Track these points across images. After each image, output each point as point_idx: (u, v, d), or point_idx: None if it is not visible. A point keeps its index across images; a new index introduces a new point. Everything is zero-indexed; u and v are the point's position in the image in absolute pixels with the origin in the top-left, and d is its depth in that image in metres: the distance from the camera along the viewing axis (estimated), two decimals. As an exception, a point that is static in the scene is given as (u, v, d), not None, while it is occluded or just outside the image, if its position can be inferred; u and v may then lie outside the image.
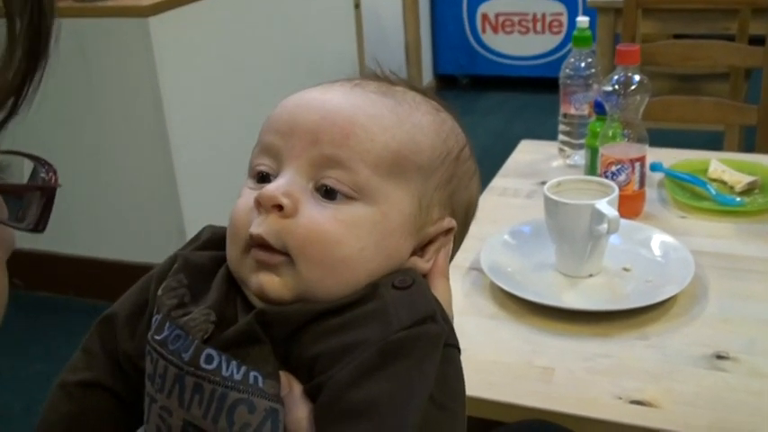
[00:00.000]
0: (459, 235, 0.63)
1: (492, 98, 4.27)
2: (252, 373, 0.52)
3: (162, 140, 2.29)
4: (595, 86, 1.40)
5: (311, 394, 0.53)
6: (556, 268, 1.10)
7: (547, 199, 1.08)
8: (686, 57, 2.11)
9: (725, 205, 1.27)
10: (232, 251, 0.57)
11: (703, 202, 1.29)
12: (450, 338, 0.54)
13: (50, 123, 2.29)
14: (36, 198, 0.41)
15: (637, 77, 1.24)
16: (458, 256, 1.15)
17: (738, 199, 1.29)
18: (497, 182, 1.45)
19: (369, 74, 0.63)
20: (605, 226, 1.02)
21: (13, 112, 0.37)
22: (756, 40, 2.09)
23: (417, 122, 0.59)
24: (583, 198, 1.07)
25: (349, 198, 0.55)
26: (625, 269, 1.10)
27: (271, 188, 0.55)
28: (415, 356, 0.51)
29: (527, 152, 1.58)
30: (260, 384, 0.52)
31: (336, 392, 0.50)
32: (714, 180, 1.36)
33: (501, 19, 4.26)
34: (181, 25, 2.30)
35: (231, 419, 0.51)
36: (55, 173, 0.41)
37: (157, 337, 0.55)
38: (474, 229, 1.36)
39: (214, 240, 0.61)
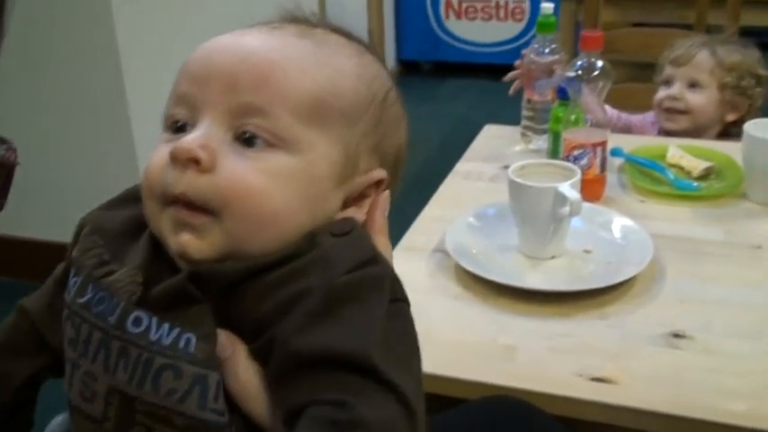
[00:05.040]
0: (391, 185, 0.60)
1: (454, 84, 4.29)
2: (184, 336, 0.50)
3: (123, 123, 2.26)
4: (558, 72, 1.42)
5: (259, 354, 0.50)
6: (519, 250, 1.12)
7: (511, 182, 1.09)
8: (645, 45, 2.14)
9: (682, 190, 1.30)
10: (149, 208, 0.54)
11: (662, 187, 1.32)
12: (398, 292, 0.52)
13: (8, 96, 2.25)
14: None
15: (600, 63, 1.26)
16: (422, 238, 1.17)
17: (695, 184, 1.32)
18: (461, 166, 1.46)
19: (288, 17, 0.60)
20: (567, 208, 1.04)
21: None
22: (714, 31, 2.13)
23: (339, 65, 0.56)
24: (546, 181, 1.09)
25: (270, 146, 0.52)
26: (586, 251, 1.12)
27: (186, 141, 0.51)
28: (361, 299, 0.49)
29: (490, 137, 1.59)
30: (190, 349, 0.50)
31: (285, 346, 0.48)
32: (672, 165, 1.39)
33: (464, 5, 4.27)
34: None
35: (156, 385, 0.49)
36: (14, 151, 0.40)
37: (79, 301, 0.53)
38: (438, 211, 1.36)
39: (130, 196, 0.58)
